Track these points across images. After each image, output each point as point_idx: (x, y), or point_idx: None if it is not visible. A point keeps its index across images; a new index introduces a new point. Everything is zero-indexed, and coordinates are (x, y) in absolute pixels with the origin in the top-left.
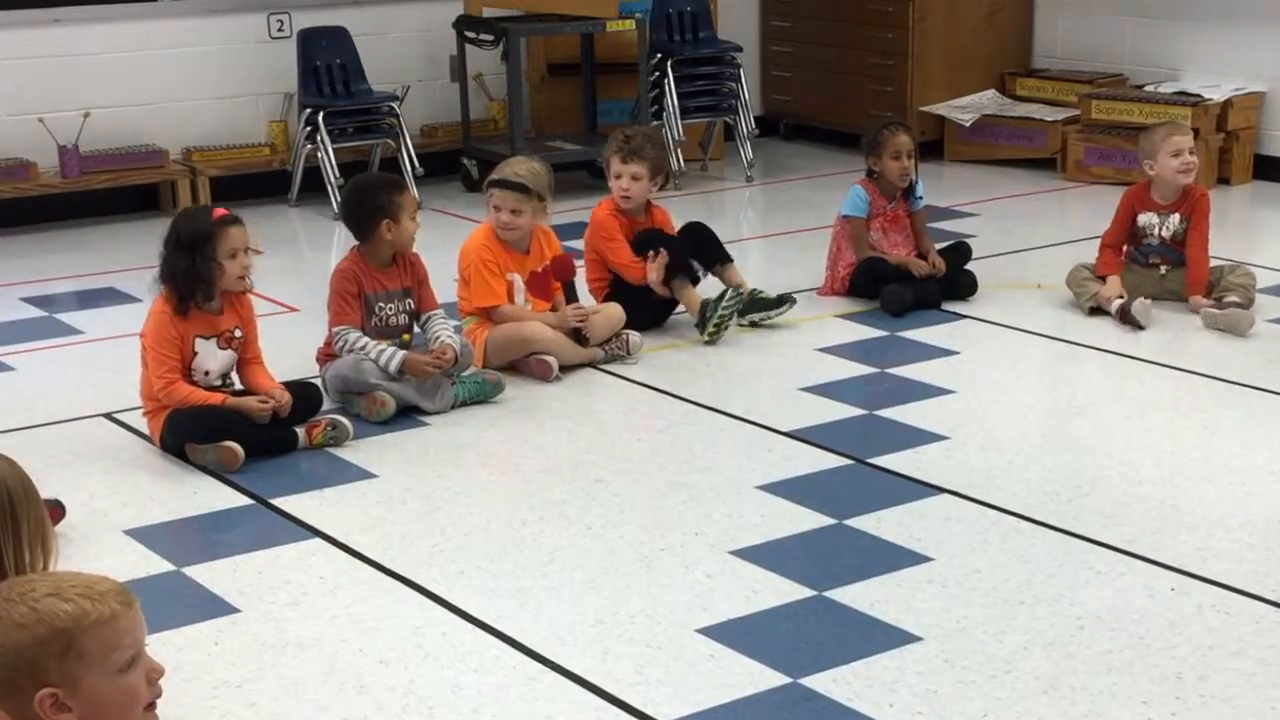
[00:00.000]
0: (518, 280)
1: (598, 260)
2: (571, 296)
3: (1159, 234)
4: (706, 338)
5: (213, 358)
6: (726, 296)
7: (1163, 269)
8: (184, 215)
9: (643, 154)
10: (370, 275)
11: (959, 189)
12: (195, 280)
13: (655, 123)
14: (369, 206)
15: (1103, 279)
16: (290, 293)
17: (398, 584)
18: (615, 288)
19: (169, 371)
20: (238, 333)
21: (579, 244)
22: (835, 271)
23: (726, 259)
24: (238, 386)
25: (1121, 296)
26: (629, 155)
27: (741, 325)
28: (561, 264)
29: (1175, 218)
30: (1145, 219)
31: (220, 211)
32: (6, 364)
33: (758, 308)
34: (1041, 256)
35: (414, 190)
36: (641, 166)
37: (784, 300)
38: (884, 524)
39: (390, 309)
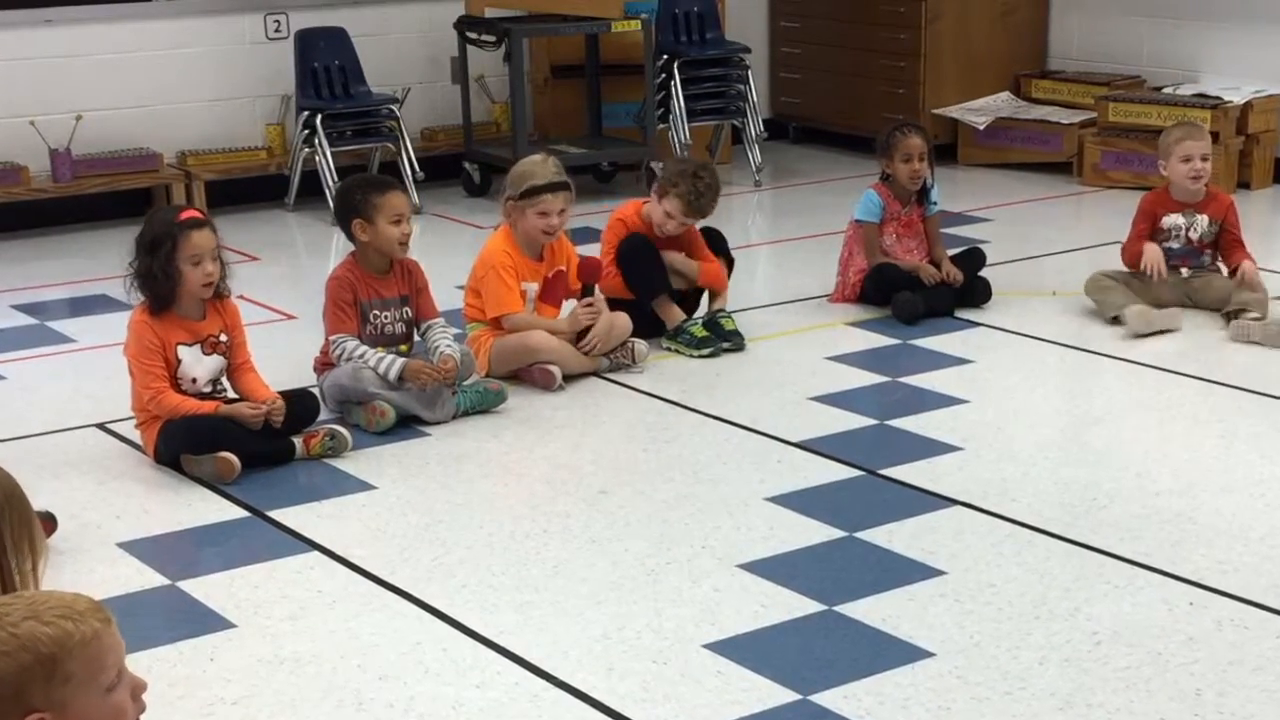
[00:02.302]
0: (530, 290)
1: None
2: (588, 296)
3: (1186, 235)
4: (668, 347)
5: (198, 364)
6: (697, 342)
7: (1184, 271)
8: (153, 214)
9: (705, 213)
10: (365, 282)
11: (972, 193)
12: (153, 283)
13: (662, 126)
14: (343, 205)
15: (1132, 271)
16: (287, 299)
17: (398, 598)
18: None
19: (155, 381)
20: (223, 337)
21: (580, 249)
22: (846, 278)
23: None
24: (231, 395)
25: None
26: (696, 212)
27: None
28: (589, 266)
29: (1203, 219)
30: (1171, 220)
31: (189, 213)
32: None
33: (717, 332)
34: (1057, 263)
35: (413, 195)
36: (697, 221)
37: (707, 343)
38: (896, 537)
39: (386, 317)
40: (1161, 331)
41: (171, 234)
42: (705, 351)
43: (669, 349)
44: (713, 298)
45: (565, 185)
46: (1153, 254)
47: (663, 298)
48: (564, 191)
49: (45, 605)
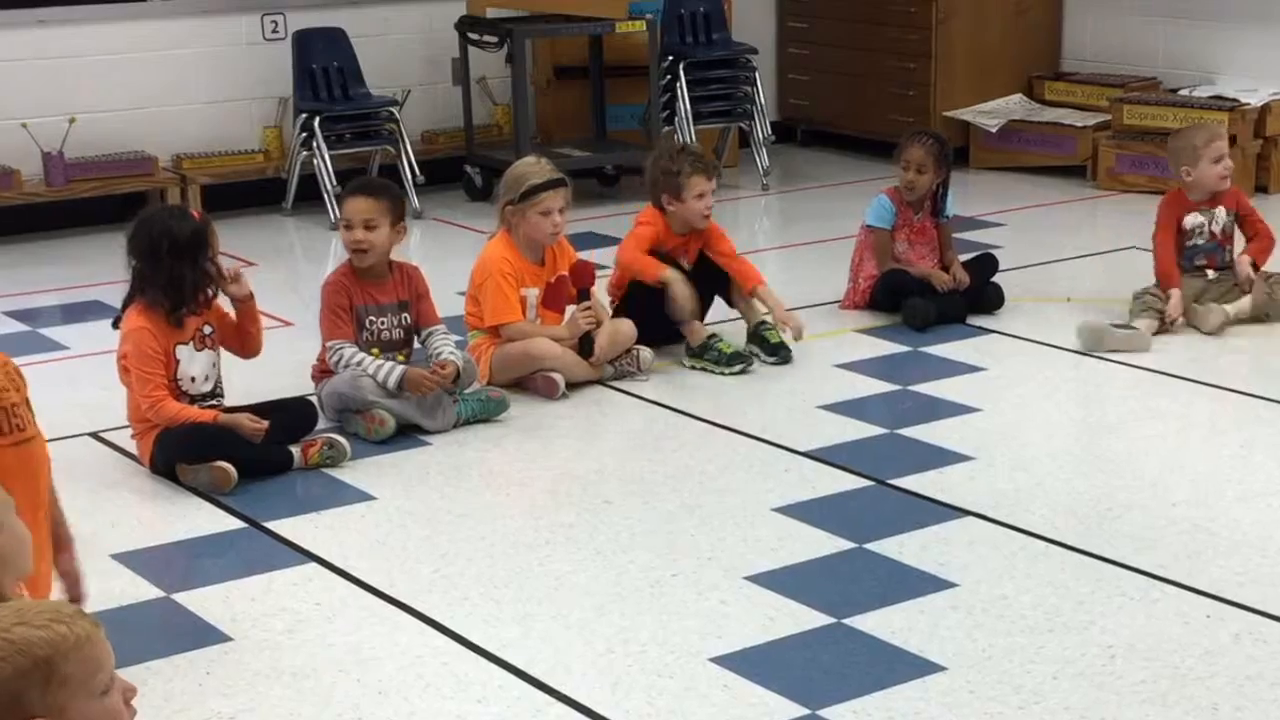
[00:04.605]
0: (532, 296)
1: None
2: (584, 300)
3: (1209, 230)
4: (693, 365)
5: (194, 362)
6: (734, 367)
7: (1210, 273)
8: (165, 220)
9: (715, 165)
10: (360, 287)
11: (985, 198)
12: (202, 285)
13: (667, 128)
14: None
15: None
16: (285, 306)
17: (398, 611)
18: (628, 302)
19: (155, 389)
20: (207, 329)
21: (585, 254)
22: (857, 283)
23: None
24: (228, 401)
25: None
26: (714, 172)
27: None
28: (580, 270)
29: (1221, 210)
30: (1192, 220)
31: (196, 212)
32: None
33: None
34: (1071, 268)
35: (413, 198)
36: (718, 179)
37: (737, 359)
38: (906, 548)
39: (383, 323)
40: (1120, 351)
41: (206, 233)
42: (736, 369)
43: (694, 367)
44: (746, 300)
45: (563, 182)
46: (1175, 305)
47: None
48: (563, 188)
49: (33, 610)
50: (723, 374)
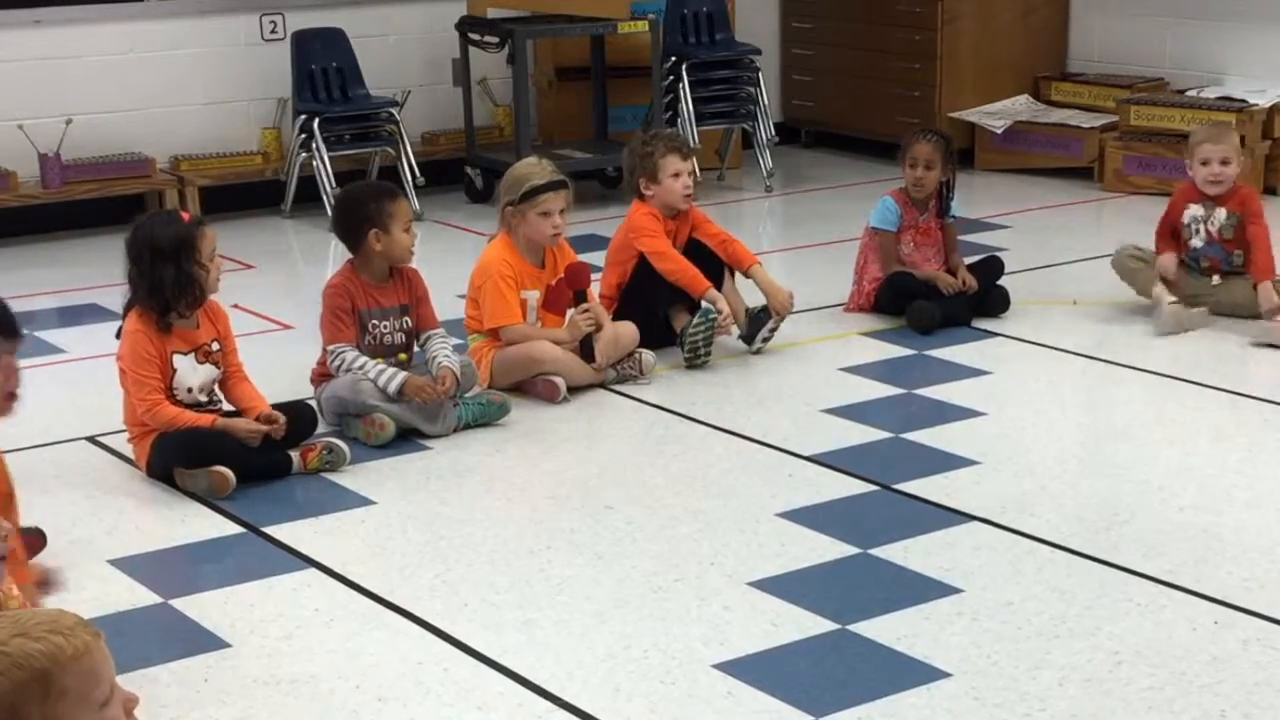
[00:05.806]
0: (532, 299)
1: (617, 267)
2: (582, 302)
3: (1205, 229)
4: (685, 363)
5: (193, 373)
6: (693, 321)
7: (1214, 278)
8: (151, 224)
9: (687, 144)
10: (364, 290)
11: (990, 199)
12: (185, 287)
13: (670, 129)
14: (356, 216)
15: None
16: (284, 309)
17: (397, 617)
18: (626, 303)
19: (151, 392)
20: (215, 346)
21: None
22: (861, 286)
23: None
24: (226, 407)
25: (1174, 275)
26: (689, 152)
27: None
28: (576, 271)
29: (1222, 212)
30: (1190, 213)
31: (187, 214)
32: None
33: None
34: (1078, 271)
35: (413, 200)
36: (692, 157)
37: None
38: (911, 553)
39: (385, 326)
40: (1187, 330)
41: (192, 234)
42: (691, 321)
43: (687, 364)
44: (735, 291)
45: (564, 184)
46: (1165, 262)
47: (678, 309)
48: (564, 190)
49: (32, 622)
50: (698, 338)
